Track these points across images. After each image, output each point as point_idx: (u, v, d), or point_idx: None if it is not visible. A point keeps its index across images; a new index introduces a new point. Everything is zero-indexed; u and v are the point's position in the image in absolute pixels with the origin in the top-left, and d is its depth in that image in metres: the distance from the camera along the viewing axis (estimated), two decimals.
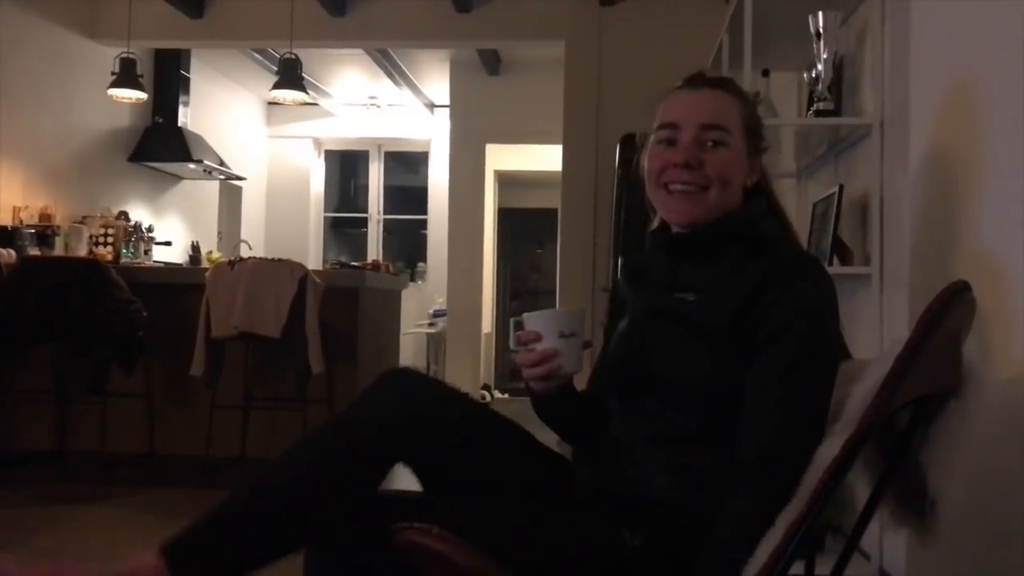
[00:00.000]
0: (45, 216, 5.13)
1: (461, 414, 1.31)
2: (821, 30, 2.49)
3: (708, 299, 1.28)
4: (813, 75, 2.62)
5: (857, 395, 1.12)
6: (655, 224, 1.47)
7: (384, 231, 9.29)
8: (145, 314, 3.92)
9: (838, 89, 2.72)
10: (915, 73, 2.11)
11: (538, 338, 1.32)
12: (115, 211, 5.89)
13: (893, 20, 2.39)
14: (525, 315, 1.33)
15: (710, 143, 1.33)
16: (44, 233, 5.00)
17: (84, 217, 5.59)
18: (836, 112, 2.62)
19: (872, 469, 1.19)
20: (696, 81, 1.40)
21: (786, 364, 1.20)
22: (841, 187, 2.53)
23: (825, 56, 2.50)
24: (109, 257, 5.42)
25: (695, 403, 1.26)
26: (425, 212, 8.86)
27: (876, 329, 2.39)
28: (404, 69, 7.29)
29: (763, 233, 1.35)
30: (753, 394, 1.21)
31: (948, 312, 1.06)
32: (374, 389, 1.27)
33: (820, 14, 2.48)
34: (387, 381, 1.28)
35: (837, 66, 2.67)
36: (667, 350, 1.29)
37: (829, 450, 1.07)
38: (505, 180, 8.83)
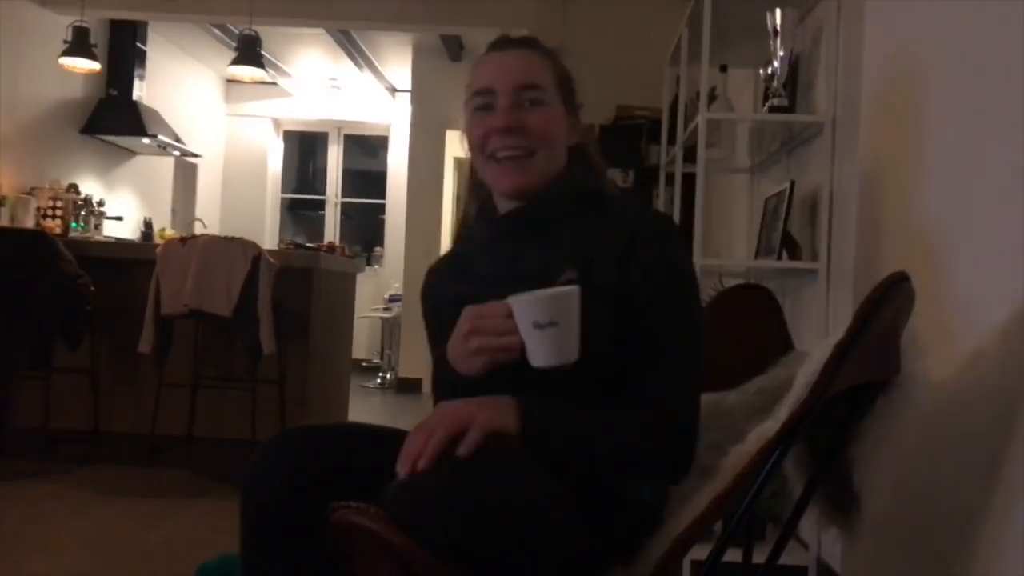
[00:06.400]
0: None
1: (364, 449, 1.22)
2: (778, 28, 2.52)
3: (588, 273, 1.21)
4: (769, 72, 2.65)
5: (800, 380, 1.14)
6: (464, 215, 1.45)
7: (342, 215, 9.21)
8: (93, 289, 3.84)
9: (793, 86, 2.76)
10: (867, 73, 2.15)
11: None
12: (65, 183, 5.75)
13: (848, 20, 2.43)
14: (509, 298, 1.13)
15: (528, 103, 1.30)
16: None
17: (32, 188, 5.45)
18: (790, 109, 2.66)
19: (806, 467, 1.22)
20: (502, 43, 1.37)
21: (676, 321, 1.21)
22: (792, 183, 2.58)
23: (781, 54, 2.54)
24: (57, 230, 5.30)
25: (590, 386, 1.19)
26: (383, 197, 8.81)
27: (822, 323, 2.44)
28: (366, 51, 7.22)
29: (596, 192, 1.34)
30: (647, 354, 1.19)
31: (887, 301, 1.08)
32: (260, 456, 1.21)
33: (778, 12, 2.51)
34: (272, 445, 1.22)
35: (793, 64, 2.71)
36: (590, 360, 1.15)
37: (767, 432, 1.09)
38: (464, 167, 8.78)
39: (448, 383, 1.22)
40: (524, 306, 1.11)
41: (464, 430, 1.04)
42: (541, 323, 1.09)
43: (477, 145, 1.33)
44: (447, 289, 1.37)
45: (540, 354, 1.11)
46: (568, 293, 1.10)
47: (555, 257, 1.25)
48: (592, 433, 1.14)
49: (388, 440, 1.17)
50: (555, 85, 1.33)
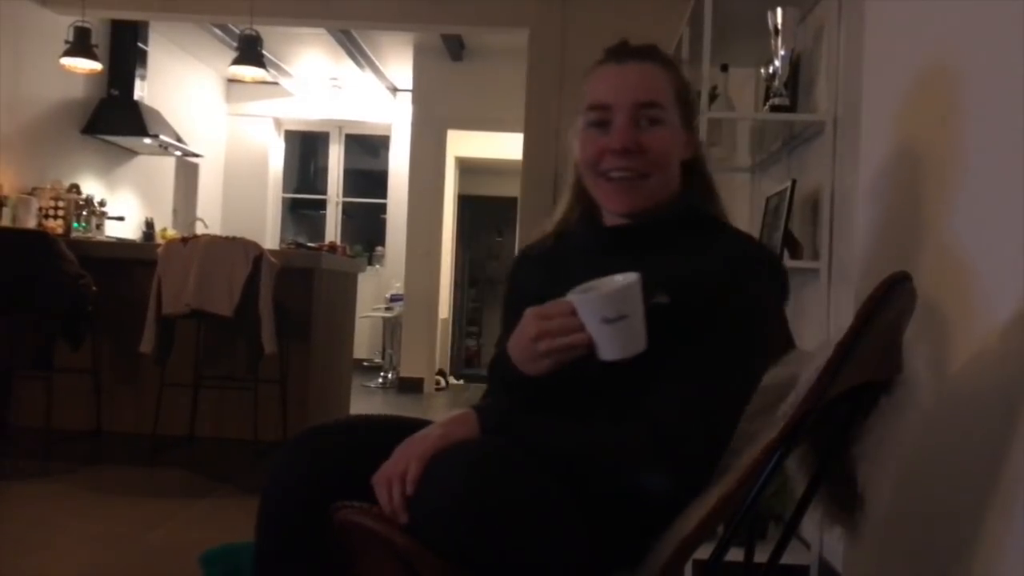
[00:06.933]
0: None
1: (392, 444, 1.14)
2: (779, 27, 2.52)
3: (679, 299, 1.19)
4: (770, 71, 2.65)
5: (803, 381, 1.13)
6: (566, 215, 1.39)
7: (343, 214, 9.22)
8: (95, 288, 3.85)
9: (794, 86, 2.76)
10: (868, 72, 2.15)
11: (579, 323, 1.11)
12: (66, 184, 5.75)
13: (848, 20, 2.43)
14: (570, 295, 1.12)
15: (646, 122, 1.25)
16: None
17: (33, 188, 5.45)
18: (791, 108, 2.66)
19: (809, 466, 1.22)
20: (622, 53, 1.30)
21: (722, 351, 1.17)
22: (794, 182, 2.57)
23: (782, 53, 2.54)
24: (59, 230, 5.30)
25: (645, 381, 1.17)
26: (385, 196, 8.81)
27: (823, 322, 2.44)
28: (367, 51, 7.23)
29: (707, 217, 1.31)
30: (686, 370, 1.16)
31: (889, 301, 1.08)
32: (285, 453, 1.25)
33: (779, 11, 2.51)
34: (296, 443, 1.25)
35: (794, 63, 2.71)
36: (643, 362, 1.12)
37: (770, 432, 1.09)
38: (466, 167, 8.80)
39: (506, 382, 1.20)
40: (592, 303, 1.09)
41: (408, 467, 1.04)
42: (611, 318, 1.08)
43: (590, 162, 1.28)
44: (535, 285, 1.33)
45: (611, 348, 1.10)
46: (632, 284, 1.09)
47: (650, 280, 1.17)
48: (550, 440, 1.11)
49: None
50: (674, 101, 1.28)
